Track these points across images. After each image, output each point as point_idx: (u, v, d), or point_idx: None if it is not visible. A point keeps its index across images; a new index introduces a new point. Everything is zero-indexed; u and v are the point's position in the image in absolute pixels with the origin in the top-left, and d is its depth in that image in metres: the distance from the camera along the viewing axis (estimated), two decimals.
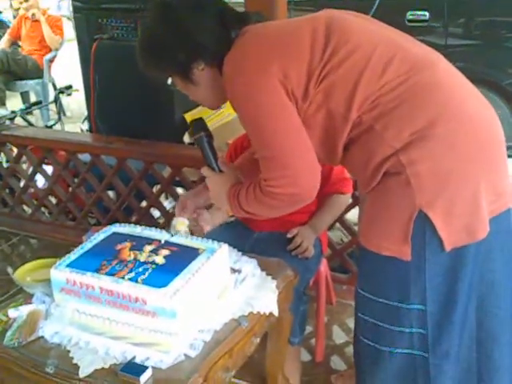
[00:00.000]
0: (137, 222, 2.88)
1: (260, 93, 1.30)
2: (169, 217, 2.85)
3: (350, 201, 2.32)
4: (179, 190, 3.16)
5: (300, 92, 1.30)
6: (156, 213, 3.05)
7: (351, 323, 2.35)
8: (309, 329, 2.18)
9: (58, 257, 1.56)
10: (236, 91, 1.34)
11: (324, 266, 2.06)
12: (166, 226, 2.83)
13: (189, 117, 2.89)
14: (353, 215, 2.45)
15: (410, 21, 4.00)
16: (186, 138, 2.85)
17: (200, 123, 1.56)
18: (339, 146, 1.35)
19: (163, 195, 2.98)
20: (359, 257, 1.45)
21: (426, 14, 3.98)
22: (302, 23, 1.37)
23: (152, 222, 2.95)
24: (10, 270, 3.07)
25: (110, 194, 3.11)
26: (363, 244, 1.37)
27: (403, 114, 1.26)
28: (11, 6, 9.12)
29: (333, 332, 2.36)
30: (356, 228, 2.35)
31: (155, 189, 2.96)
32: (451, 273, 1.29)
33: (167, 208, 3.04)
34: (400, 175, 1.25)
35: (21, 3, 5.75)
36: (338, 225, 2.52)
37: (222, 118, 2.79)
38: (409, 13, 4.00)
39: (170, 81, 1.49)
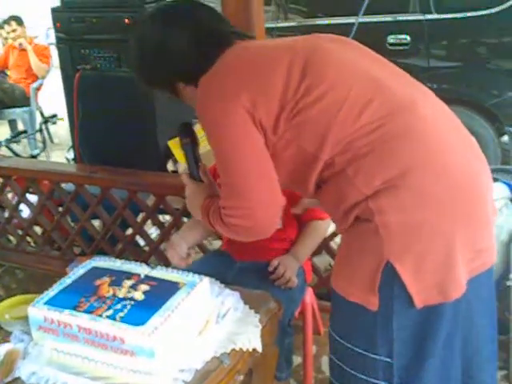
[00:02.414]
0: (122, 251, 2.87)
1: (224, 119, 1.27)
2: (153, 245, 2.83)
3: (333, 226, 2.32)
4: (166, 217, 3.15)
5: (270, 123, 1.26)
6: (141, 241, 3.03)
7: None
8: (298, 360, 2.15)
9: (43, 289, 1.54)
10: (203, 115, 1.32)
11: (309, 296, 2.03)
12: (153, 254, 2.81)
13: (172, 144, 2.89)
14: (339, 241, 2.44)
15: (391, 44, 4.04)
16: (170, 166, 2.85)
17: (187, 128, 1.56)
18: (310, 184, 1.32)
19: (148, 223, 2.96)
20: (331, 297, 1.40)
21: (407, 37, 4.03)
22: (281, 53, 1.32)
23: (137, 251, 2.93)
24: None
25: (96, 223, 3.09)
26: (332, 286, 1.32)
27: (375, 161, 1.21)
28: (0, 35, 9.17)
29: (322, 363, 2.30)
30: None
31: (140, 217, 2.94)
32: (421, 328, 1.22)
33: (152, 236, 3.02)
34: (369, 222, 1.21)
35: (8, 33, 5.78)
36: (324, 251, 2.50)
37: (206, 144, 2.79)
38: (390, 36, 4.05)
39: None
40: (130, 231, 2.96)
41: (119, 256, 2.74)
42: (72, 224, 3.05)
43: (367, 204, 1.20)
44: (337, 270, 1.34)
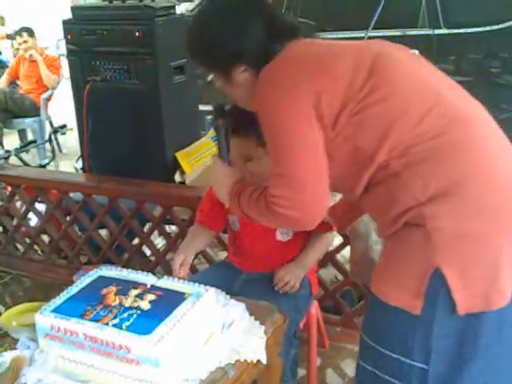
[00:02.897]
0: (128, 261, 2.88)
1: (288, 109, 1.27)
2: (160, 255, 2.84)
3: (341, 239, 2.33)
4: (173, 228, 3.17)
5: (330, 119, 1.27)
6: (147, 251, 3.04)
7: (346, 367, 2.33)
8: (302, 372, 2.14)
9: (49, 297, 1.55)
10: (265, 102, 1.31)
11: (314, 308, 2.02)
12: (159, 264, 2.83)
13: (180, 155, 2.92)
14: (345, 253, 2.44)
15: None
16: (177, 177, 2.87)
17: (221, 109, 1.58)
18: (360, 185, 1.31)
19: (155, 233, 2.98)
20: (369, 306, 1.41)
21: (416, 52, 4.04)
22: (348, 51, 1.34)
23: (143, 261, 2.95)
24: (1, 309, 3.05)
25: (103, 232, 3.11)
26: (373, 290, 1.33)
27: (432, 168, 1.22)
28: (12, 45, 9.27)
29: (326, 376, 2.30)
30: (348, 267, 2.33)
31: (147, 227, 2.96)
32: (461, 336, 1.23)
33: (158, 246, 3.04)
34: (421, 228, 1.21)
35: (20, 44, 5.85)
36: (330, 263, 2.50)
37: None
38: None
39: (210, 77, 1.53)
40: (136, 241, 2.98)
41: (126, 265, 2.75)
42: (79, 233, 3.08)
43: (421, 210, 1.21)
44: (379, 275, 1.34)
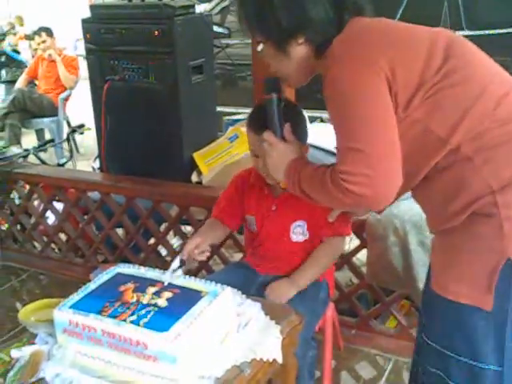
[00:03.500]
0: (144, 260, 2.90)
1: (365, 81, 1.21)
2: (176, 255, 2.84)
3: (358, 242, 2.32)
4: (188, 228, 3.18)
5: (404, 99, 1.22)
6: (163, 251, 3.06)
7: (360, 369, 2.32)
8: (317, 374, 2.13)
9: (66, 295, 1.56)
10: (338, 75, 1.24)
11: (331, 311, 2.01)
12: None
13: (197, 156, 2.93)
14: (360, 256, 2.43)
15: None
16: (194, 178, 2.88)
17: (274, 83, 1.50)
18: (423, 170, 1.26)
19: (170, 233, 2.99)
20: (427, 306, 1.34)
21: None
22: (422, 31, 1.31)
23: (159, 260, 2.96)
24: (18, 306, 3.08)
25: (119, 231, 3.13)
26: (436, 290, 1.27)
27: (506, 154, 1.17)
28: (30, 46, 9.38)
29: (341, 379, 2.28)
30: (363, 270, 2.32)
31: (163, 226, 2.97)
32: None
33: (174, 246, 3.05)
34: (491, 218, 1.16)
35: (38, 44, 5.90)
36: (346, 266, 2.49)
37: (230, 157, 2.83)
38: None
39: (260, 48, 1.42)
40: (152, 241, 3.00)
41: (142, 265, 2.74)
42: (96, 232, 3.10)
43: (493, 197, 1.16)
44: (441, 274, 1.28)
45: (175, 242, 3.26)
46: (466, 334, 1.22)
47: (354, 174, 1.20)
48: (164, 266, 2.81)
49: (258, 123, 1.62)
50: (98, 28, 2.86)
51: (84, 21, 2.93)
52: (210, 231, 1.89)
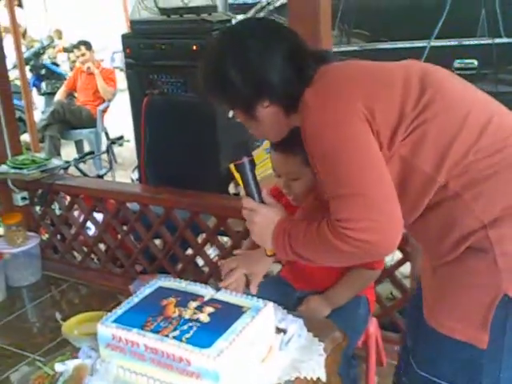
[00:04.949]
0: (182, 271, 2.91)
1: (348, 127, 1.19)
2: (213, 266, 2.85)
3: (400, 256, 2.27)
4: (224, 239, 3.18)
5: (387, 137, 1.20)
6: (200, 261, 3.07)
7: None
8: None
9: (105, 305, 1.58)
10: (317, 125, 1.22)
11: (374, 326, 1.97)
12: (212, 275, 2.84)
13: (233, 167, 2.93)
14: (402, 270, 2.38)
15: (457, 69, 3.97)
16: (231, 189, 2.88)
17: (243, 148, 1.48)
18: (417, 209, 1.22)
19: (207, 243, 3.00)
20: (419, 334, 1.32)
21: (474, 62, 3.95)
22: (393, 67, 1.29)
23: (197, 271, 2.97)
24: (58, 316, 3.13)
25: (156, 241, 3.15)
26: (431, 324, 1.25)
27: (498, 186, 1.15)
28: (69, 58, 9.60)
29: None
30: (407, 283, 2.28)
31: (200, 237, 2.98)
32: None
33: (211, 256, 3.06)
34: (485, 253, 1.14)
35: (77, 57, 6.03)
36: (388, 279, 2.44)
37: (266, 169, 2.82)
38: (456, 61, 3.99)
39: (231, 113, 1.42)
40: (189, 251, 3.01)
41: (179, 276, 2.78)
42: (135, 242, 3.13)
43: (485, 233, 1.14)
44: (437, 308, 1.26)
45: (212, 252, 3.26)
46: (460, 367, 1.21)
47: (354, 220, 1.15)
48: (201, 276, 2.83)
49: (281, 142, 1.56)
50: (137, 43, 2.91)
51: (124, 36, 2.99)
52: (249, 259, 1.75)
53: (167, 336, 1.31)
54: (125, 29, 10.89)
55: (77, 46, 6.02)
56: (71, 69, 8.79)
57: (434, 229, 1.23)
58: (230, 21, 2.87)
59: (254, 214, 1.41)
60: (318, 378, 1.40)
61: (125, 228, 3.10)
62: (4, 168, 3.33)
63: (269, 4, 4.89)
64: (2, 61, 3.32)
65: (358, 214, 1.15)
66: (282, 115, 1.36)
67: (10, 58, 3.37)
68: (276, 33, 1.36)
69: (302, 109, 1.28)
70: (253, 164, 1.45)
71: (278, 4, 4.73)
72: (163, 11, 2.98)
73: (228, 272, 1.67)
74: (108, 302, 2.88)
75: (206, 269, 2.96)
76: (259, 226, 1.40)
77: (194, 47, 2.69)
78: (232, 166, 2.87)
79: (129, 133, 3.88)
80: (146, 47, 2.87)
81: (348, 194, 1.17)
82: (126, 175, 4.75)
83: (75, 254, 3.47)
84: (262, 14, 4.95)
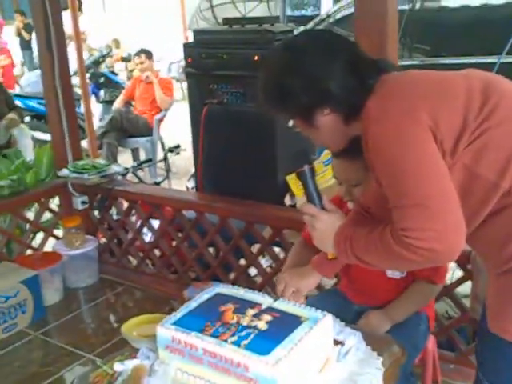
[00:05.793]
0: (234, 280, 2.92)
1: (411, 137, 1.21)
2: (266, 276, 2.86)
3: (459, 274, 2.22)
4: (276, 249, 3.18)
5: (450, 145, 1.21)
6: (252, 271, 3.07)
7: None
8: None
9: (158, 310, 1.60)
10: (380, 135, 1.24)
11: (432, 344, 1.93)
12: (265, 285, 2.84)
13: (290, 179, 2.94)
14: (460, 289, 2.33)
15: None
16: (287, 200, 2.89)
17: (304, 157, 1.52)
18: (479, 216, 1.24)
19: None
20: (484, 345, 1.32)
21: None
22: (454, 76, 1.30)
23: (249, 281, 2.98)
24: (112, 318, 3.20)
25: (209, 249, 3.18)
26: (494, 331, 1.25)
27: None
28: (126, 68, 9.86)
29: None
30: (466, 302, 2.22)
31: (253, 247, 2.99)
32: None
33: (264, 266, 3.06)
34: None
35: (137, 65, 6.16)
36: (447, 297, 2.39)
37: (324, 181, 2.81)
38: None
39: (291, 123, 1.46)
40: (242, 261, 3.02)
41: (232, 284, 2.79)
42: (189, 250, 3.17)
43: None
44: (500, 312, 1.26)
45: (264, 262, 3.27)
46: None
47: (418, 230, 1.17)
48: (253, 286, 2.83)
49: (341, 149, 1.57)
50: (199, 52, 2.95)
51: (186, 45, 3.05)
52: (295, 276, 1.72)
53: (226, 341, 1.32)
54: (182, 40, 11.14)
55: (137, 54, 6.13)
56: (128, 78, 9.03)
57: (495, 236, 1.24)
58: (291, 31, 2.88)
59: (316, 220, 1.46)
60: None
61: (180, 235, 3.14)
62: (65, 172, 3.43)
63: (328, 17, 4.89)
64: (66, 68, 3.42)
65: (422, 223, 1.17)
66: (342, 124, 1.39)
67: (71, 66, 3.47)
68: (336, 43, 1.40)
69: (364, 118, 1.30)
70: (313, 172, 1.49)
71: (338, 17, 4.73)
72: (225, 21, 3.02)
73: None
74: (161, 306, 2.93)
75: (258, 279, 2.97)
76: (321, 231, 1.45)
77: (256, 57, 2.70)
78: (288, 178, 2.90)
79: (183, 142, 3.95)
80: (207, 57, 2.90)
81: (412, 205, 1.19)
82: (180, 184, 4.83)
83: (131, 258, 3.54)
84: (321, 27, 4.96)
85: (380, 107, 1.27)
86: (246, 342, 1.32)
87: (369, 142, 1.27)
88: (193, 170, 3.66)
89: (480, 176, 1.21)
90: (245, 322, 1.40)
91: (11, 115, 3.55)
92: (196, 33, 3.05)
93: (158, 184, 3.95)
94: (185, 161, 5.38)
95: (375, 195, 1.38)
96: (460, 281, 2.24)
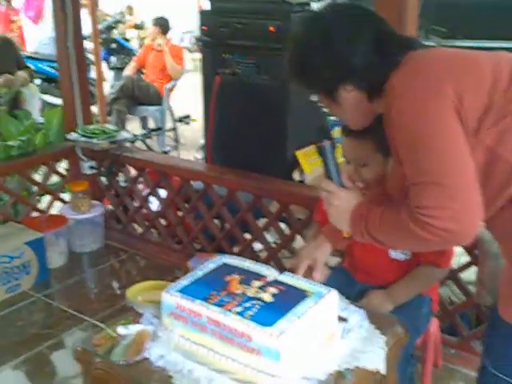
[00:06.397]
0: (239, 253, 2.93)
1: (435, 114, 1.19)
2: (271, 251, 2.86)
3: (466, 259, 2.21)
4: (282, 225, 3.18)
5: (473, 123, 1.19)
6: (257, 245, 3.07)
7: None
8: None
9: (161, 278, 1.59)
10: (404, 110, 1.23)
11: (434, 327, 1.93)
12: (270, 260, 2.84)
13: (300, 154, 2.92)
14: (469, 274, 2.32)
15: None
16: (296, 176, 2.88)
17: (324, 129, 1.51)
18: (499, 199, 1.22)
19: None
20: (494, 331, 1.31)
21: None
22: (482, 55, 1.28)
23: (253, 255, 2.98)
24: (115, 285, 3.22)
25: (215, 221, 3.18)
26: (505, 318, 1.25)
27: None
28: (138, 35, 9.79)
29: None
30: (471, 288, 2.22)
31: (259, 221, 2.99)
32: None
33: (269, 241, 3.06)
34: None
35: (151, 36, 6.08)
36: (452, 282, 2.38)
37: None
38: None
39: (315, 97, 1.46)
40: (247, 235, 3.02)
41: None
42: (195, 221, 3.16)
43: None
44: (510, 301, 1.26)
45: (268, 237, 3.26)
46: None
47: (435, 208, 1.16)
48: (257, 260, 2.82)
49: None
50: (215, 21, 2.92)
51: (203, 13, 3.01)
52: (309, 249, 1.74)
53: (230, 311, 1.32)
54: (195, 9, 11.00)
55: (155, 24, 6.08)
56: (140, 46, 8.96)
57: None
58: (308, 4, 2.84)
59: (334, 197, 1.44)
60: (377, 371, 1.38)
61: (186, 205, 3.14)
62: (74, 136, 3.41)
63: None
64: (79, 31, 3.39)
65: (439, 202, 1.16)
66: (366, 100, 1.38)
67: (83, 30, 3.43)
68: (363, 19, 1.39)
69: (388, 93, 1.29)
70: (333, 147, 1.47)
71: None
72: None
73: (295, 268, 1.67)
74: (165, 275, 2.93)
75: (262, 254, 2.97)
76: (338, 208, 1.44)
77: (271, 28, 2.67)
78: (298, 153, 2.88)
79: (193, 113, 3.92)
80: (223, 25, 2.87)
81: (430, 182, 1.18)
82: (188, 155, 4.81)
83: (136, 226, 3.53)
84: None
85: (405, 83, 1.26)
86: (250, 312, 1.31)
87: (392, 118, 1.26)
88: (201, 141, 3.64)
89: (502, 158, 1.18)
90: (250, 293, 1.40)
91: (21, 73, 3.53)
92: (213, 1, 3.00)
93: (166, 153, 3.94)
94: (193, 132, 5.36)
95: (400, 182, 1.35)
96: (466, 266, 2.23)
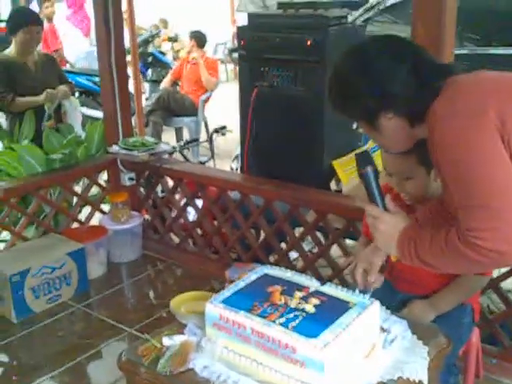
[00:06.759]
0: (276, 263, 2.94)
1: (477, 137, 1.22)
2: (308, 260, 2.86)
3: (506, 268, 2.18)
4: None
5: None
6: (292, 254, 3.08)
7: None
8: None
9: (198, 288, 1.60)
10: (447, 135, 1.26)
11: (476, 337, 1.91)
12: (306, 269, 2.85)
13: (336, 164, 2.93)
14: (509, 283, 2.29)
15: None
16: (333, 185, 2.88)
17: (366, 156, 1.50)
18: None
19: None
20: None
21: None
22: None
23: (289, 264, 2.98)
24: (151, 294, 3.26)
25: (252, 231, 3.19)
26: None
27: None
28: (172, 48, 9.93)
29: None
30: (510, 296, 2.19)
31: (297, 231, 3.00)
32: None
33: (305, 250, 3.06)
34: None
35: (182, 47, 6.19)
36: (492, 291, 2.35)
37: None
38: None
39: (355, 125, 1.50)
40: (283, 244, 3.03)
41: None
42: (232, 230, 3.19)
43: None
44: None
45: (304, 246, 3.27)
46: None
47: (485, 230, 1.19)
48: (295, 270, 2.82)
49: None
50: (252, 35, 2.96)
51: (240, 28, 3.06)
52: (365, 253, 1.72)
53: (274, 322, 1.33)
54: (229, 22, 11.11)
55: (191, 38, 6.17)
56: (174, 58, 9.10)
57: None
58: (346, 17, 2.86)
59: (379, 222, 1.46)
60: (420, 382, 1.38)
61: (223, 215, 3.16)
62: (115, 148, 3.49)
63: (378, 3, 4.80)
64: (121, 45, 3.46)
65: (488, 224, 1.19)
66: (407, 126, 1.41)
67: None
68: (403, 48, 1.42)
69: (430, 118, 1.32)
70: (377, 172, 1.49)
71: (388, 4, 4.64)
72: (280, 5, 3.02)
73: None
74: (202, 285, 2.96)
75: (298, 263, 2.97)
76: (384, 233, 1.46)
77: (308, 42, 2.70)
78: (334, 163, 2.89)
79: (227, 124, 3.95)
80: (260, 40, 2.91)
81: (477, 205, 1.21)
82: (222, 164, 4.84)
83: (173, 236, 3.57)
84: (370, 13, 4.88)
85: (446, 107, 1.29)
86: (293, 323, 1.33)
87: (435, 141, 1.29)
88: (235, 151, 3.67)
89: None
90: (292, 304, 1.41)
91: (62, 87, 3.63)
92: (251, 16, 3.07)
93: (202, 164, 3.98)
94: (227, 142, 5.39)
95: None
96: (507, 275, 2.20)
